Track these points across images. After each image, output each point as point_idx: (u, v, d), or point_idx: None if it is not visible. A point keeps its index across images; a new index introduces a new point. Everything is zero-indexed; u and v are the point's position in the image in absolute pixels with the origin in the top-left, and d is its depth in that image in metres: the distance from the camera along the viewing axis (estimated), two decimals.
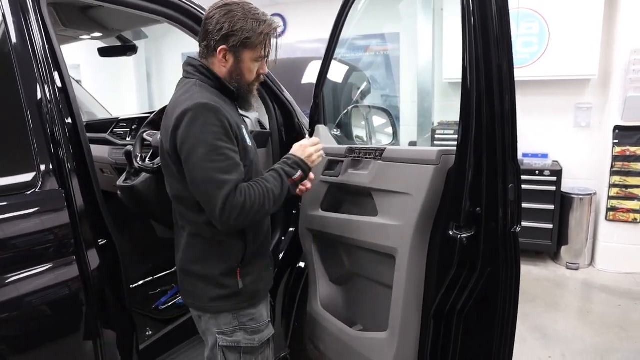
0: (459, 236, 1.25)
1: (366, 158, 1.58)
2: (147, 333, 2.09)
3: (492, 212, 1.22)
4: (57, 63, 1.34)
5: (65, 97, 1.35)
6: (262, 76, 1.46)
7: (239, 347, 1.43)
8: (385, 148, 1.53)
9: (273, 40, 1.40)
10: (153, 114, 2.33)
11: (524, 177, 3.81)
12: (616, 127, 3.67)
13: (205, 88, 1.36)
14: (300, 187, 1.47)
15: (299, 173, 1.41)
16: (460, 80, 1.23)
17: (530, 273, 3.84)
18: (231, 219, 1.24)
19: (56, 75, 1.33)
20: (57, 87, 1.33)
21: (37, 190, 1.25)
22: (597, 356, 2.67)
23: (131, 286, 2.45)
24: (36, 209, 1.26)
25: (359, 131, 2.18)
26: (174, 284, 2.48)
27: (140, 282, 2.51)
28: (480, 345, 1.36)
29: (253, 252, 1.42)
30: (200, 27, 1.40)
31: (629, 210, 3.72)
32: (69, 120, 1.35)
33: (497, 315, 1.30)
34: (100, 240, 1.39)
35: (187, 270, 1.45)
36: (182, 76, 1.45)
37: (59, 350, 1.30)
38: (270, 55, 1.42)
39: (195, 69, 1.40)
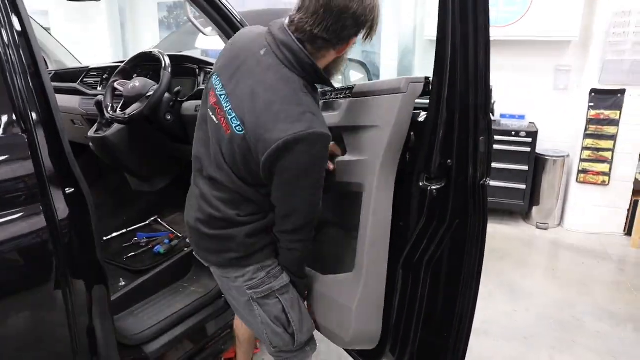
0: (429, 188, 1.27)
1: (337, 98, 1.51)
2: (120, 284, 2.09)
3: (462, 165, 1.22)
4: (15, 6, 1.25)
5: (26, 42, 1.28)
6: None
7: (273, 291, 1.43)
8: (355, 85, 1.47)
9: None
10: (124, 63, 2.26)
11: (500, 138, 3.89)
12: (592, 90, 3.71)
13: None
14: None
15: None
16: None
17: (502, 232, 3.95)
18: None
19: (15, 19, 1.25)
20: (16, 30, 1.25)
21: None
22: (558, 309, 2.80)
23: (104, 238, 2.44)
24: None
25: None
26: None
27: (114, 235, 2.49)
28: (445, 297, 1.39)
29: None
30: None
31: (598, 173, 3.82)
32: (31, 67, 1.28)
33: (463, 267, 1.33)
34: (67, 189, 1.36)
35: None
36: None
37: (27, 301, 1.27)
38: None
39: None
